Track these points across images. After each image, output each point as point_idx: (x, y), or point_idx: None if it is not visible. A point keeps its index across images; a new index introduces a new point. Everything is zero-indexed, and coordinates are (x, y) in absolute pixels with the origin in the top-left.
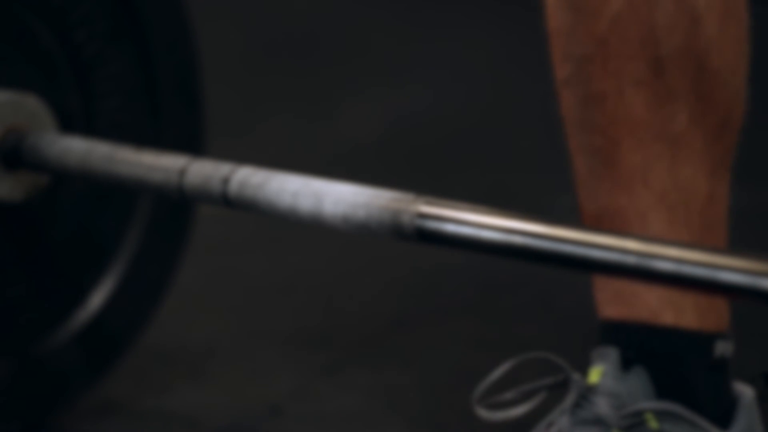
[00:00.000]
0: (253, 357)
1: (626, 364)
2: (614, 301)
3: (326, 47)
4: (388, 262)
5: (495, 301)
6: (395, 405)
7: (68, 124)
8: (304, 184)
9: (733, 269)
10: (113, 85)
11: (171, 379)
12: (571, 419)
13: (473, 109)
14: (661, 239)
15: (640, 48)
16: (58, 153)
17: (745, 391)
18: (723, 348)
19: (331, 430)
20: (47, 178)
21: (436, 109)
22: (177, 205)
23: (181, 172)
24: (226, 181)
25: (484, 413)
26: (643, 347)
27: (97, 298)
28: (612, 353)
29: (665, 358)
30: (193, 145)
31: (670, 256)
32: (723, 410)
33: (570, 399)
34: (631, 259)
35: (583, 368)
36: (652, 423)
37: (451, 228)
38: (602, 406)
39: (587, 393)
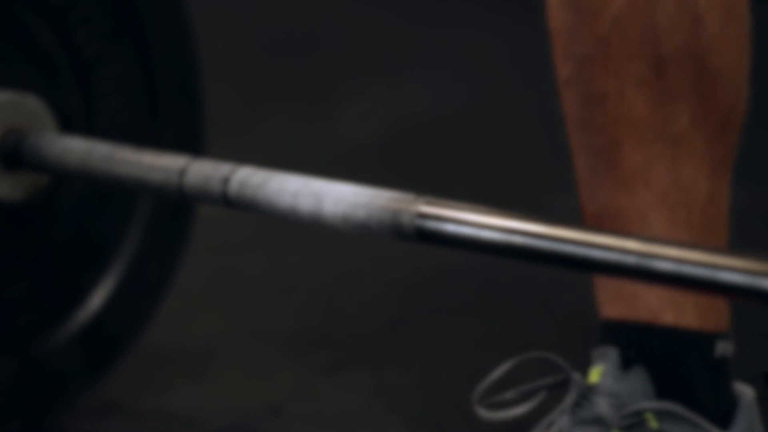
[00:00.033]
0: (253, 357)
1: (626, 363)
2: (615, 301)
3: (326, 47)
4: (388, 262)
5: (495, 301)
6: (395, 405)
7: (68, 124)
8: (304, 184)
9: (733, 269)
10: (113, 85)
11: (171, 379)
12: (571, 419)
13: (473, 109)
14: (661, 239)
15: (641, 48)
16: (58, 153)
17: (745, 392)
18: (723, 348)
19: (331, 430)
20: (47, 178)
21: (436, 109)
22: (177, 205)
23: (181, 172)
24: (226, 181)
25: (484, 413)
26: (643, 347)
27: (97, 298)
28: (612, 353)
29: (665, 358)
30: (193, 145)
31: (670, 256)
32: (723, 410)
33: (570, 399)
34: (631, 259)
35: (584, 368)
36: (652, 423)
37: (451, 228)
38: (602, 405)
39: (587, 393)
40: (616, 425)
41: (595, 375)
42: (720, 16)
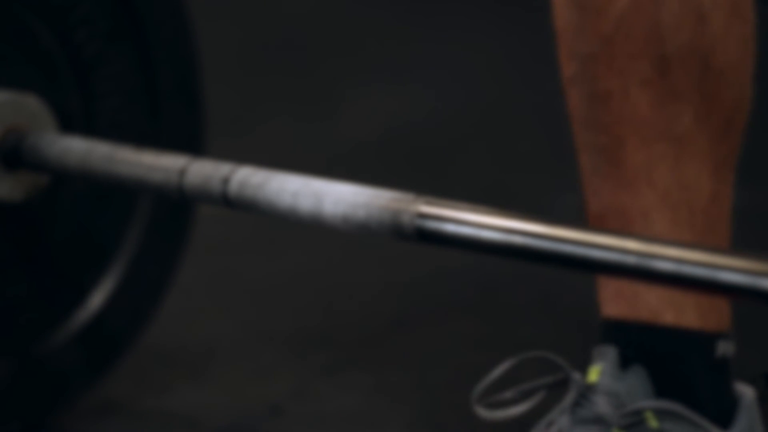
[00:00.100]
0: (253, 357)
1: (625, 362)
2: (615, 300)
3: (326, 47)
4: (388, 262)
5: (495, 301)
6: (395, 405)
7: (68, 124)
8: (304, 184)
9: (733, 269)
10: (113, 85)
11: (171, 379)
12: (571, 418)
13: (473, 109)
14: (661, 239)
15: (645, 47)
16: (58, 153)
17: (746, 392)
18: (724, 348)
19: (331, 430)
20: (47, 178)
21: (436, 109)
22: (177, 205)
23: (181, 172)
24: (226, 181)
25: (483, 412)
26: (643, 346)
27: (97, 298)
28: (611, 352)
29: (665, 358)
30: (193, 145)
31: (670, 256)
32: (724, 410)
33: (570, 398)
34: (631, 259)
35: (584, 368)
36: (652, 422)
37: (451, 228)
38: (602, 405)
39: (587, 392)
40: (616, 424)
41: (593, 374)
42: (724, 16)
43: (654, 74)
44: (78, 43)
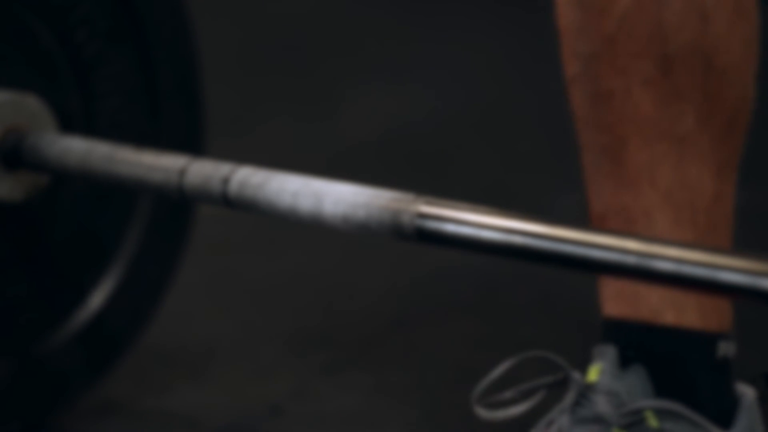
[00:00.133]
0: (253, 357)
1: (625, 362)
2: (616, 300)
3: (326, 47)
4: (388, 262)
5: (495, 301)
6: (395, 405)
7: (68, 124)
8: (304, 184)
9: (733, 269)
10: (113, 85)
11: (171, 379)
12: (571, 418)
13: (473, 109)
14: (661, 239)
15: (647, 46)
16: (58, 153)
17: (746, 392)
18: (726, 348)
19: (331, 430)
20: (47, 178)
21: (436, 109)
22: (177, 205)
23: (181, 172)
24: (226, 181)
25: (483, 412)
26: (644, 346)
27: (97, 298)
28: (610, 351)
29: (666, 358)
30: (193, 145)
31: (670, 256)
32: (724, 410)
33: (569, 397)
34: (631, 259)
35: (583, 367)
36: (652, 421)
37: (451, 228)
38: (602, 404)
39: (586, 391)
40: (616, 424)
41: (593, 373)
42: (727, 15)
43: (657, 74)
44: (78, 43)
